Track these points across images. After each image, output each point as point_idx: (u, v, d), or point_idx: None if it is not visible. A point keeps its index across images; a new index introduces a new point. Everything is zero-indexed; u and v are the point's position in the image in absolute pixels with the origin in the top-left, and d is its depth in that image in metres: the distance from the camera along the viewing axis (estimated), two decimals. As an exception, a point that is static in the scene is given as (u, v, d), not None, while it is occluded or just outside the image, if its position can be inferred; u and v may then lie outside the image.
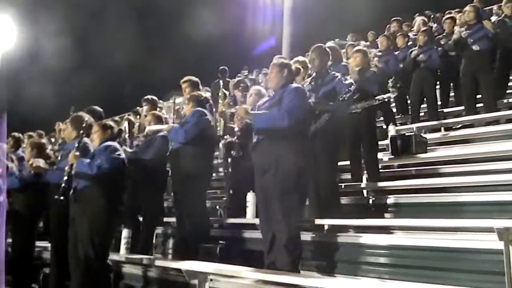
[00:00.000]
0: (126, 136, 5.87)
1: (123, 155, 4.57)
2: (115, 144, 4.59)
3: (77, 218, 4.34)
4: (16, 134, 7.49)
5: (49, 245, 5.28)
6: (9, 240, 5.86)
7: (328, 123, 4.56)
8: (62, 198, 4.30)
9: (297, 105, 3.96)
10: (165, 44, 18.81)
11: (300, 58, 5.71)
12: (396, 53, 7.89)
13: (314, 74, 5.00)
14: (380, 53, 7.76)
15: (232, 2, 15.39)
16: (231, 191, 6.03)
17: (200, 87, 5.62)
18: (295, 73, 4.44)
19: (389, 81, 5.52)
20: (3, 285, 4.96)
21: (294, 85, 4.18)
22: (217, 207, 5.97)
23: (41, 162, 5.23)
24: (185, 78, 5.52)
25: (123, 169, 4.54)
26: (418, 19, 8.92)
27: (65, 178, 4.34)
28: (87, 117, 4.95)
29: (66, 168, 4.41)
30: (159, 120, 5.61)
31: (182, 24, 16.61)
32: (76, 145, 4.52)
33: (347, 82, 4.82)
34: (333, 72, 4.91)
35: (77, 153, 4.44)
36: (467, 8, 6.98)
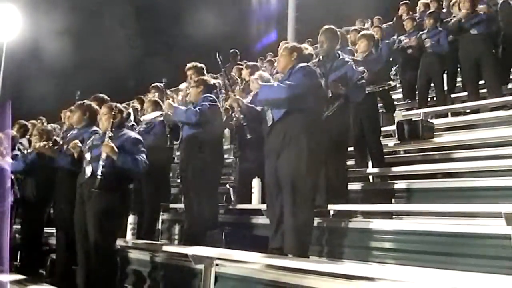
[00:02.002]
0: (131, 123, 5.84)
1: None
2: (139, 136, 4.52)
3: (87, 202, 4.26)
4: (22, 121, 7.52)
5: (55, 230, 5.30)
6: (18, 226, 5.93)
7: (341, 109, 4.47)
8: (99, 190, 4.15)
9: (302, 80, 3.91)
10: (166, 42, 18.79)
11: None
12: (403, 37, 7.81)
13: (320, 57, 4.81)
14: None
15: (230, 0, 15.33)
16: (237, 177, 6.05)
17: (205, 73, 5.59)
18: (307, 59, 4.32)
19: (392, 68, 5.45)
20: (7, 270, 5.03)
21: (302, 64, 4.11)
22: (230, 188, 5.92)
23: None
24: (190, 65, 5.48)
25: None
26: (420, 3, 8.78)
27: (102, 169, 4.12)
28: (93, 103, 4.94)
29: (102, 160, 4.17)
30: (157, 105, 5.59)
31: (182, 23, 16.59)
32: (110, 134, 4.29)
33: (359, 68, 4.71)
34: (342, 57, 4.74)
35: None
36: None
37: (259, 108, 4.69)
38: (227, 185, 5.87)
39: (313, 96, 4.01)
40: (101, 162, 4.15)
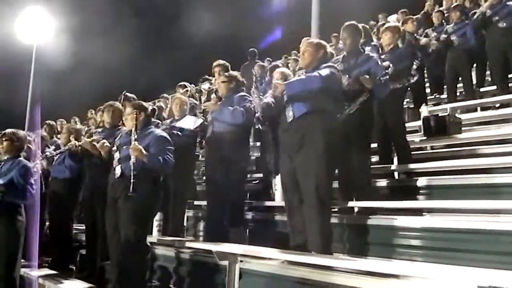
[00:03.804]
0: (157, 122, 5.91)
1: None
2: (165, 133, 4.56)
3: (120, 201, 4.31)
4: (50, 121, 7.72)
5: (84, 227, 5.43)
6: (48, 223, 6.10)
7: (364, 105, 4.43)
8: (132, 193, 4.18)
9: (331, 74, 3.91)
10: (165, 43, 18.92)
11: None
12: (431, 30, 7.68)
13: (345, 54, 4.80)
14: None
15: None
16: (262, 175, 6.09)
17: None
18: (330, 57, 4.35)
19: (414, 63, 5.32)
20: (36, 266, 5.18)
21: (328, 63, 4.12)
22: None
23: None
24: (217, 62, 5.52)
25: None
26: None
27: (134, 172, 4.13)
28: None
29: (132, 163, 4.18)
30: (184, 106, 5.65)
31: (181, 22, 16.68)
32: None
33: (384, 64, 4.64)
34: (367, 52, 4.68)
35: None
36: None
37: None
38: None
39: (334, 99, 4.02)
40: (131, 165, 4.15)
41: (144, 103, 4.66)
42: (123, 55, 16.40)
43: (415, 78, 5.39)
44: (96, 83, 15.98)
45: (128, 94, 5.56)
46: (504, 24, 6.38)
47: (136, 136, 4.24)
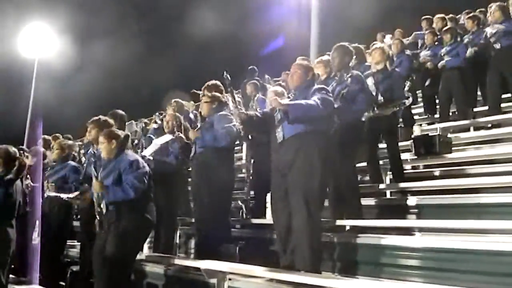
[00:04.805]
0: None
1: (146, 167, 4.44)
2: (136, 157, 4.48)
3: (110, 221, 4.30)
4: (46, 136, 7.76)
5: (76, 243, 5.43)
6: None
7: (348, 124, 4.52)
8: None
9: (327, 98, 3.99)
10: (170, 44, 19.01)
11: (324, 57, 5.69)
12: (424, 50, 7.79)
13: (337, 74, 4.89)
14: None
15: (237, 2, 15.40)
16: (252, 192, 6.09)
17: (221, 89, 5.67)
18: (316, 78, 4.47)
19: (406, 83, 5.39)
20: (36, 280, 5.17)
21: (319, 86, 4.21)
22: (242, 206, 5.96)
23: None
24: (206, 85, 5.59)
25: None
26: (435, 18, 8.72)
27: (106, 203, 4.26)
28: (111, 121, 5.02)
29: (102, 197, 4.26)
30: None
31: (184, 25, 16.79)
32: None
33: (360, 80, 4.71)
34: (352, 71, 4.78)
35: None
36: (492, 7, 6.78)
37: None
38: (239, 202, 5.91)
39: (326, 120, 4.09)
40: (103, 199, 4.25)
41: (116, 131, 4.57)
42: (126, 58, 16.52)
43: (410, 100, 5.44)
44: (99, 89, 16.04)
45: (117, 111, 5.57)
46: (498, 45, 6.45)
47: (96, 174, 4.30)
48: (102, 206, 4.29)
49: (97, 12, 17.78)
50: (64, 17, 17.73)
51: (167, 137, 5.42)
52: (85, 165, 5.39)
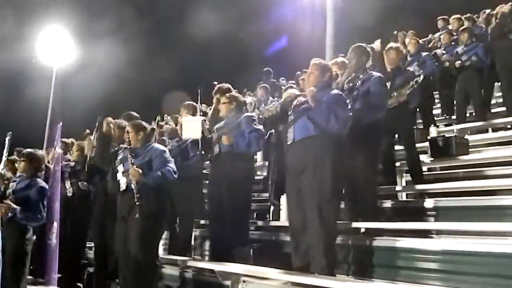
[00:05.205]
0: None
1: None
2: (165, 148, 4.79)
3: (128, 219, 4.43)
4: (65, 139, 7.87)
5: (92, 244, 5.49)
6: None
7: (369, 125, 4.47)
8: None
9: (346, 117, 3.97)
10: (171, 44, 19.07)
11: (339, 59, 5.66)
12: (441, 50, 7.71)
13: (353, 75, 4.83)
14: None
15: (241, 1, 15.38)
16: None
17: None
18: (335, 78, 4.43)
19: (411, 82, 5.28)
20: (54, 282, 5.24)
21: (335, 91, 4.17)
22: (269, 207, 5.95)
23: None
24: (216, 88, 5.61)
25: None
26: (452, 19, 8.62)
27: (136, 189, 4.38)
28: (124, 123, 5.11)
29: (134, 186, 4.39)
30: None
31: (185, 25, 16.82)
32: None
33: (381, 81, 4.67)
34: (370, 72, 4.76)
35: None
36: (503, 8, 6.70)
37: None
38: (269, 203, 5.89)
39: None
40: (134, 188, 4.36)
41: (143, 122, 4.84)
42: (130, 59, 16.66)
43: (422, 77, 5.33)
44: (101, 91, 16.15)
45: (131, 113, 5.64)
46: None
47: (133, 160, 4.45)
48: (122, 183, 4.51)
49: (97, 12, 17.98)
50: (77, 21, 17.99)
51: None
52: None
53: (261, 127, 5.00)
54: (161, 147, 4.75)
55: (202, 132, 4.95)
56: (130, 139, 4.62)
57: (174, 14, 18.97)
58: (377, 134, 4.65)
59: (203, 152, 5.28)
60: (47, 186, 4.98)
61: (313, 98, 3.94)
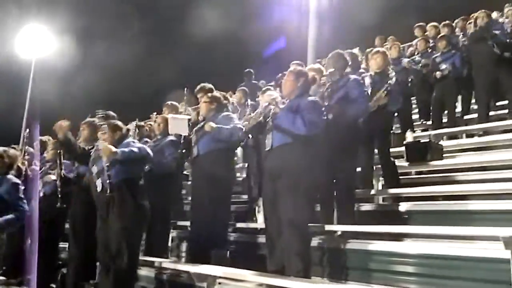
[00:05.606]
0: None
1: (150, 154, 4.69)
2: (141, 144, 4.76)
3: (108, 218, 4.42)
4: (42, 138, 7.74)
5: (66, 245, 5.41)
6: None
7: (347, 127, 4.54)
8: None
9: (314, 121, 3.99)
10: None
11: (316, 65, 5.71)
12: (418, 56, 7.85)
13: (330, 80, 4.90)
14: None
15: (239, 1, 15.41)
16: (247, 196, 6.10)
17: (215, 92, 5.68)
18: (311, 82, 4.47)
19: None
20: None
21: (311, 98, 4.21)
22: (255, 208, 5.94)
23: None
24: (198, 87, 5.61)
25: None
26: (428, 27, 8.76)
27: (109, 180, 4.41)
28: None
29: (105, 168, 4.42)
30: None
31: (186, 23, 16.76)
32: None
33: (360, 84, 4.74)
34: (348, 76, 4.81)
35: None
36: (479, 14, 6.84)
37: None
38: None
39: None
40: (106, 171, 4.37)
41: (118, 122, 4.83)
42: (127, 57, 16.47)
43: (394, 80, 5.39)
44: (100, 87, 15.96)
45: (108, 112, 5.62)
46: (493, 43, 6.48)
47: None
48: (98, 185, 4.46)
49: (96, 12, 17.78)
50: (63, 18, 17.72)
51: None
52: None
53: (240, 123, 4.99)
54: (134, 143, 4.70)
55: None
56: (105, 138, 4.61)
57: (174, 14, 18.87)
58: (356, 138, 4.71)
59: (183, 151, 5.28)
60: (19, 181, 4.86)
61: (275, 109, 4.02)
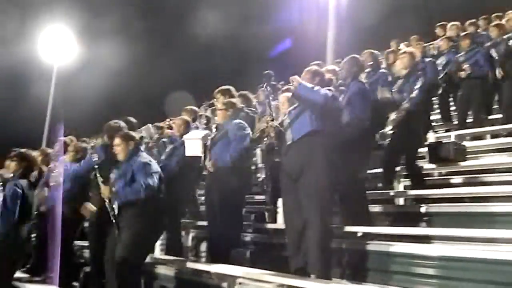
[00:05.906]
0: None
1: (159, 169, 4.58)
2: (149, 158, 4.61)
3: (122, 223, 4.43)
4: (63, 139, 7.87)
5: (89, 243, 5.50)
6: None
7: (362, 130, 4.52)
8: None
9: (336, 95, 4.07)
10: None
11: (330, 66, 5.68)
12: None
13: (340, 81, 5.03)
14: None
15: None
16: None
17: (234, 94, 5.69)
18: (327, 83, 4.47)
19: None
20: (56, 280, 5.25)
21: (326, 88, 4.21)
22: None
23: None
24: (218, 89, 5.62)
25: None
26: (450, 25, 8.61)
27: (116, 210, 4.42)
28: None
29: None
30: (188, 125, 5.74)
31: (189, 25, 16.85)
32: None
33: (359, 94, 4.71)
34: (356, 80, 4.82)
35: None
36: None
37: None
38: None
39: (333, 120, 4.10)
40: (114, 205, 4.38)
41: (131, 133, 4.74)
42: (132, 58, 16.66)
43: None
44: (107, 91, 16.16)
45: (129, 118, 5.64)
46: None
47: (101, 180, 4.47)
48: (114, 207, 4.39)
49: (104, 13, 18.02)
50: (81, 20, 18.02)
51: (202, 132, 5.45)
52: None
53: (248, 131, 5.02)
54: (144, 158, 4.52)
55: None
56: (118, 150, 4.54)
57: (177, 14, 19.03)
58: (367, 141, 4.70)
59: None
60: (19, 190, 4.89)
61: (297, 81, 4.00)
